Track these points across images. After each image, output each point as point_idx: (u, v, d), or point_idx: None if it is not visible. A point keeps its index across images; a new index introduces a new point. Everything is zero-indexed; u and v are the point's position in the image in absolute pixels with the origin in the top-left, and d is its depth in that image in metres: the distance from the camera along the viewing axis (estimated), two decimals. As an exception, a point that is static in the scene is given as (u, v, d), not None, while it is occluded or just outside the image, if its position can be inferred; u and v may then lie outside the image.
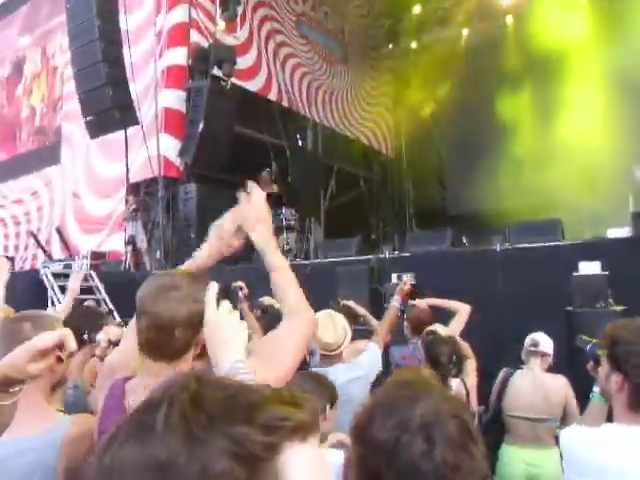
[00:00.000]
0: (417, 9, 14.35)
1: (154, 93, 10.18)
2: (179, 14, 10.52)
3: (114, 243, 10.86)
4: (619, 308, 5.18)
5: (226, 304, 1.36)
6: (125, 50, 9.72)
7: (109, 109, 9.41)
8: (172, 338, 1.53)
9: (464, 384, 3.52)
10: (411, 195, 16.02)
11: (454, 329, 4.04)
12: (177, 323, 1.53)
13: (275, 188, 10.45)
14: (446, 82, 13.76)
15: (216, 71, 10.22)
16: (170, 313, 1.53)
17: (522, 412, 3.92)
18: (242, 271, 6.34)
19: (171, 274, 1.72)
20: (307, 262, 8.06)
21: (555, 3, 12.36)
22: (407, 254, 6.98)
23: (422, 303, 4.52)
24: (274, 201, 10.14)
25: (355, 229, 11.02)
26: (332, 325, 3.34)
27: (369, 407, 1.15)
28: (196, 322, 1.48)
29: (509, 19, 13.54)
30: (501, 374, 4.12)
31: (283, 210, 10.67)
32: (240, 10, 11.04)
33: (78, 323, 2.86)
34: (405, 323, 4.54)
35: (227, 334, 1.31)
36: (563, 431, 1.96)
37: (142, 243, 9.90)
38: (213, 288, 1.39)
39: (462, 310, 4.29)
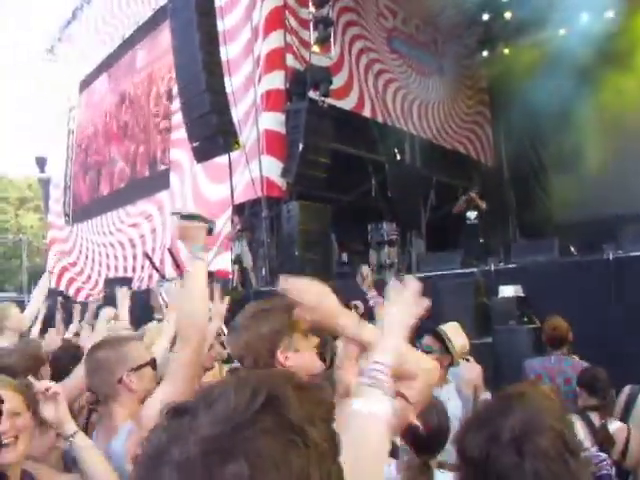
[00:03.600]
0: (508, 14, 13.98)
1: (255, 117, 10.54)
2: (275, 40, 10.87)
3: (222, 262, 11.26)
4: None
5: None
6: (226, 78, 10.16)
7: (214, 135, 9.85)
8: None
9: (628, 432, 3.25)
10: (513, 204, 15.52)
11: None
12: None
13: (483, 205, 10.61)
14: (544, 85, 13.28)
15: (312, 92, 10.45)
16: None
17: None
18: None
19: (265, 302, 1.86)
20: (409, 276, 7.96)
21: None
22: (513, 265, 6.78)
23: None
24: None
25: (457, 241, 10.84)
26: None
27: (465, 421, 1.19)
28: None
29: (609, 14, 12.84)
30: (625, 392, 3.88)
31: (384, 225, 10.70)
32: (332, 31, 11.24)
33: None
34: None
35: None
36: None
37: (248, 261, 10.22)
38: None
39: None
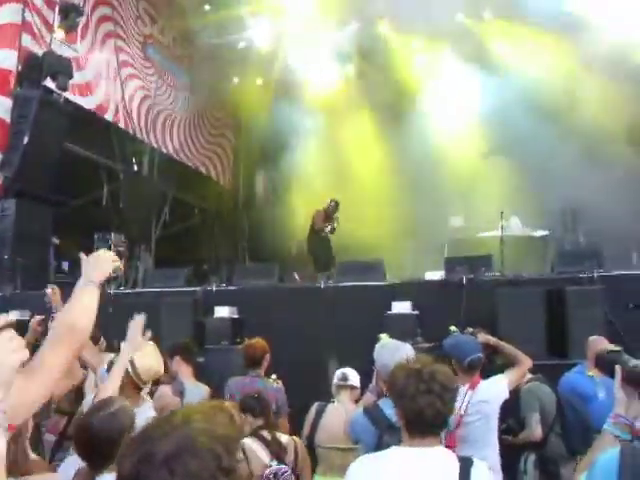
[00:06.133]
0: (265, 47, 14.74)
1: (-26, 97, 9.46)
2: (9, 14, 9.86)
3: None
4: (426, 345, 5.65)
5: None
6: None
7: None
8: None
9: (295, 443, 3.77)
10: (245, 227, 16.30)
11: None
12: None
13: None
14: (287, 119, 14.31)
15: (49, 82, 9.74)
16: None
17: (333, 443, 4.11)
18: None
19: None
20: (131, 291, 7.85)
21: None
22: (233, 287, 7.08)
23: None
24: None
25: (187, 259, 10.94)
26: None
27: (124, 442, 1.22)
28: None
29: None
30: (313, 408, 4.31)
31: (112, 235, 10.36)
32: (82, 21, 10.64)
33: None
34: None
35: None
36: (352, 464, 2.23)
37: (-54, 262, 9.01)
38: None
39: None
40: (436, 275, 7.08)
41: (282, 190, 15.27)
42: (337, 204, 11.31)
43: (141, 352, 3.24)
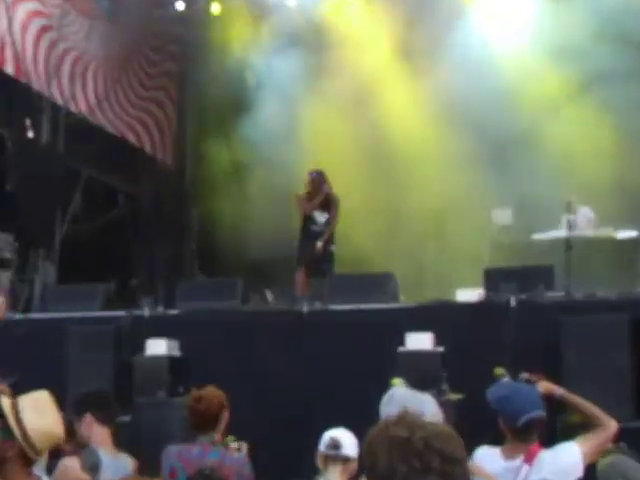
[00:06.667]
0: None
1: None
2: None
3: None
4: (455, 397, 5.70)
5: None
6: None
7: None
8: None
9: None
10: (195, 225, 16.17)
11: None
12: None
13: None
14: (259, 63, 14.33)
15: None
16: None
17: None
18: None
19: None
20: (23, 317, 7.86)
21: None
22: (175, 312, 7.08)
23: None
24: None
25: (108, 271, 10.92)
26: None
27: None
28: None
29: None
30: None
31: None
32: None
33: None
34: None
35: None
36: None
37: None
38: None
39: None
40: (472, 295, 7.12)
41: (248, 169, 15.19)
42: (320, 174, 11.10)
43: (32, 406, 3.18)
